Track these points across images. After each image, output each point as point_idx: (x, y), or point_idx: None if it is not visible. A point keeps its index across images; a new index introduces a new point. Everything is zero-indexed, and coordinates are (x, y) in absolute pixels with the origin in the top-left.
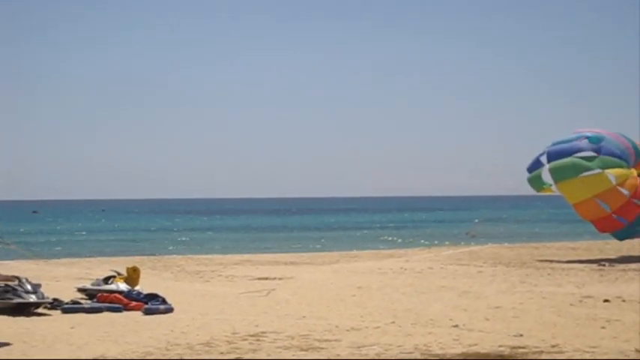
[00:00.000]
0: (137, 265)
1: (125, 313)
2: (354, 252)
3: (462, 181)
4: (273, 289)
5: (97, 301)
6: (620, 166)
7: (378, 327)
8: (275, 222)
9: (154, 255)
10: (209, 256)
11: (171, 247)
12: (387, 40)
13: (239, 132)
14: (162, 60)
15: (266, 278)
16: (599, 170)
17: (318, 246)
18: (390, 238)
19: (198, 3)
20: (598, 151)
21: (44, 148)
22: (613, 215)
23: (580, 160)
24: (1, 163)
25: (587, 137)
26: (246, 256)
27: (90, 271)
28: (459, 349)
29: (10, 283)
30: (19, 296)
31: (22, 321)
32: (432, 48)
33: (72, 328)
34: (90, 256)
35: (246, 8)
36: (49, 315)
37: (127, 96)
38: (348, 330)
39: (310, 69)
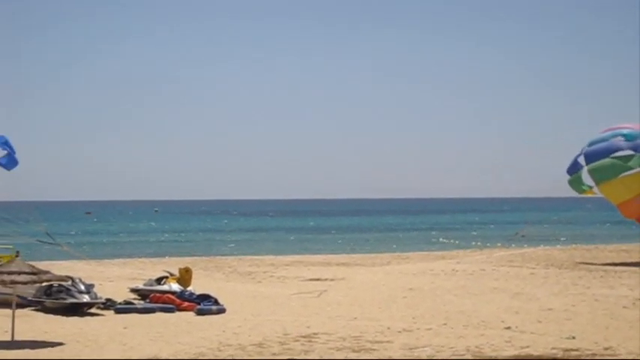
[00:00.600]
0: (189, 266)
1: (177, 313)
2: (405, 253)
3: (495, 182)
4: (325, 291)
5: (150, 302)
6: None
7: (429, 328)
8: (323, 223)
9: (206, 256)
10: (260, 257)
11: (222, 248)
12: (390, 40)
13: (267, 133)
14: (178, 60)
15: (318, 279)
16: (638, 169)
17: (369, 247)
18: (440, 240)
19: (199, 4)
20: (635, 149)
21: (96, 150)
22: None
23: (618, 161)
24: (54, 164)
25: (623, 135)
26: (297, 257)
27: (142, 271)
28: (511, 351)
29: (63, 283)
30: (73, 296)
31: (75, 321)
32: (438, 47)
33: (125, 328)
34: (142, 257)
35: (248, 9)
36: (102, 315)
37: (161, 99)
38: (399, 331)
39: (321, 69)
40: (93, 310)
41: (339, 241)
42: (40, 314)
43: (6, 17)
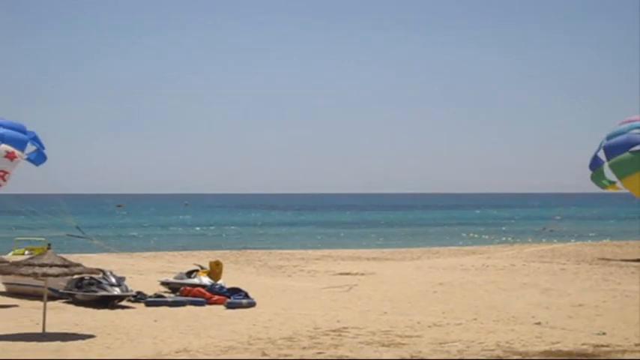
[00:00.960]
0: (220, 259)
1: (208, 306)
2: (436, 248)
3: (521, 178)
4: (355, 285)
5: (180, 295)
6: None
7: (459, 324)
8: (353, 218)
9: (237, 249)
10: (290, 251)
11: (252, 242)
12: (401, 38)
13: (296, 128)
14: (208, 54)
15: (348, 273)
16: None
17: (399, 242)
18: (470, 235)
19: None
20: None
21: (126, 143)
22: None
23: (637, 156)
24: (86, 158)
25: (638, 127)
26: (327, 251)
27: (173, 264)
28: (541, 347)
29: (94, 276)
30: (104, 289)
31: (106, 313)
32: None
33: (155, 321)
34: (173, 250)
35: (249, 10)
36: (132, 308)
37: (190, 93)
38: (429, 326)
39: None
40: (124, 303)
41: (370, 236)
42: (71, 306)
43: (8, 18)
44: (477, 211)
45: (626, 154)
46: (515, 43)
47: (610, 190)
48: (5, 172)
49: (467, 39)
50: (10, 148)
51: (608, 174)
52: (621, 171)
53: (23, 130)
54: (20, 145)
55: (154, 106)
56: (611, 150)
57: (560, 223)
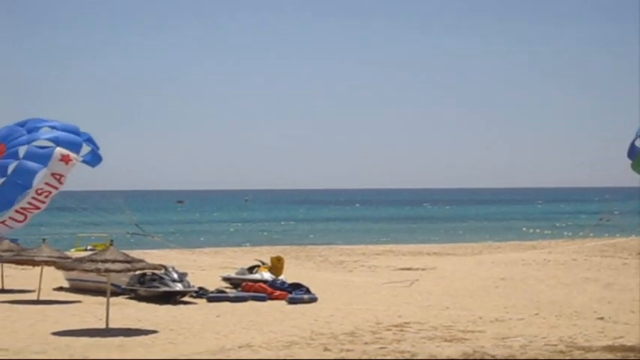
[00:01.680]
0: (281, 255)
1: (269, 302)
2: (497, 243)
3: (589, 173)
4: (416, 280)
5: (242, 290)
6: None
7: (521, 318)
8: (412, 213)
9: (298, 245)
10: (351, 246)
11: (313, 237)
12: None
13: (356, 123)
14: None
15: (409, 269)
16: None
17: (460, 237)
18: (531, 230)
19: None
20: None
21: (185, 139)
22: None
23: None
24: (145, 156)
25: None
26: (388, 247)
27: (234, 260)
28: (604, 342)
29: (157, 271)
30: (166, 284)
31: (168, 309)
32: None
33: (217, 316)
34: (234, 246)
35: (253, 11)
36: (194, 303)
37: (247, 93)
38: (491, 321)
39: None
40: (186, 299)
41: (430, 231)
42: (134, 302)
43: (10, 19)
44: (539, 206)
45: None
46: (525, 41)
47: None
48: (61, 175)
49: (469, 37)
50: (65, 151)
51: None
52: None
53: (77, 132)
54: (75, 147)
55: (217, 105)
56: None
57: (610, 214)
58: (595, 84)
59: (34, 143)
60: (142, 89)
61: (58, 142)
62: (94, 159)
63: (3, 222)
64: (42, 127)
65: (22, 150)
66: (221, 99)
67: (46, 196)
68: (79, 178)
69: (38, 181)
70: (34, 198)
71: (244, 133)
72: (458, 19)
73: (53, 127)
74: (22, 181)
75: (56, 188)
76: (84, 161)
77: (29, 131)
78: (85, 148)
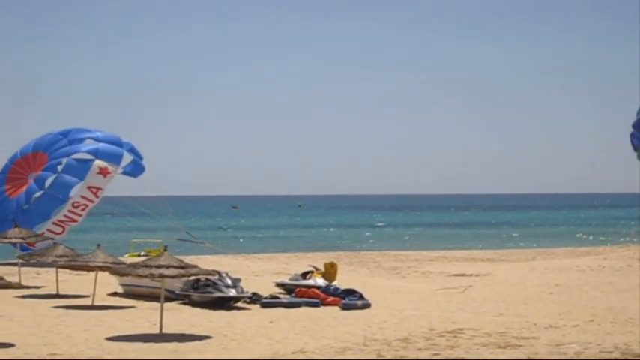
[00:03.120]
0: (334, 261)
1: (323, 307)
2: (551, 249)
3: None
4: (470, 286)
5: (295, 296)
6: None
7: (576, 325)
8: (465, 219)
9: (351, 250)
10: (404, 252)
11: (366, 243)
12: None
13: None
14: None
15: (462, 274)
16: None
17: (513, 243)
18: (584, 236)
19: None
20: None
21: (240, 146)
22: None
23: None
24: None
25: None
26: (441, 252)
27: (287, 266)
28: None
29: (210, 277)
30: (220, 290)
31: (221, 314)
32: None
33: (271, 322)
34: (287, 251)
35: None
36: (248, 309)
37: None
38: (546, 328)
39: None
40: (239, 304)
41: (483, 237)
42: (187, 307)
43: (14, 20)
44: (592, 211)
45: None
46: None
47: None
48: (98, 189)
49: (470, 38)
50: (103, 164)
51: None
52: None
53: (119, 143)
54: (116, 159)
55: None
56: None
57: None
58: (595, 84)
59: (74, 156)
60: (177, 93)
61: (97, 154)
62: (135, 169)
63: (42, 234)
64: (84, 138)
65: (61, 164)
66: (268, 103)
67: (83, 209)
68: (126, 182)
69: (75, 194)
70: (70, 211)
71: (293, 137)
72: (459, 20)
73: (95, 139)
74: (59, 194)
75: (92, 202)
76: (125, 172)
77: (71, 142)
78: (127, 158)
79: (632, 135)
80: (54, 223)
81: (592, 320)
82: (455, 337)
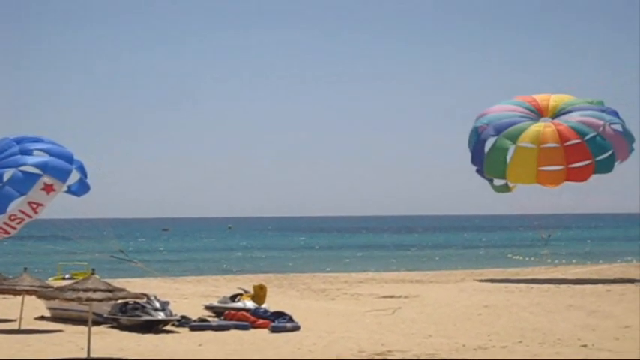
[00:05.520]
0: (263, 283)
1: (252, 330)
2: (479, 270)
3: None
4: (399, 307)
5: (225, 319)
6: None
7: (505, 346)
8: (396, 240)
9: (280, 273)
10: (334, 274)
11: (295, 265)
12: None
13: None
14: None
15: (392, 296)
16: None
17: (443, 264)
18: (514, 257)
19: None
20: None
21: (169, 166)
22: None
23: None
24: (134, 181)
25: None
26: (370, 274)
27: (217, 288)
28: None
29: (139, 300)
30: (148, 313)
31: (150, 338)
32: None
33: (200, 345)
34: (216, 274)
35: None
36: (177, 332)
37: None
38: (474, 349)
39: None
40: (168, 327)
41: (413, 258)
42: (116, 331)
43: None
44: (520, 233)
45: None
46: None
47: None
48: (38, 205)
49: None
50: (49, 181)
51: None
52: (498, 170)
53: (70, 160)
54: (63, 175)
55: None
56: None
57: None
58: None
59: (22, 168)
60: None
61: (45, 168)
62: (80, 188)
63: None
64: (35, 149)
65: (7, 174)
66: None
67: (19, 223)
68: (66, 204)
69: (13, 208)
70: (5, 223)
71: (227, 157)
72: (459, 26)
73: (47, 151)
74: None
75: (30, 217)
76: (69, 191)
77: (22, 152)
78: (75, 176)
79: (477, 171)
80: None
81: (521, 341)
82: (384, 359)
